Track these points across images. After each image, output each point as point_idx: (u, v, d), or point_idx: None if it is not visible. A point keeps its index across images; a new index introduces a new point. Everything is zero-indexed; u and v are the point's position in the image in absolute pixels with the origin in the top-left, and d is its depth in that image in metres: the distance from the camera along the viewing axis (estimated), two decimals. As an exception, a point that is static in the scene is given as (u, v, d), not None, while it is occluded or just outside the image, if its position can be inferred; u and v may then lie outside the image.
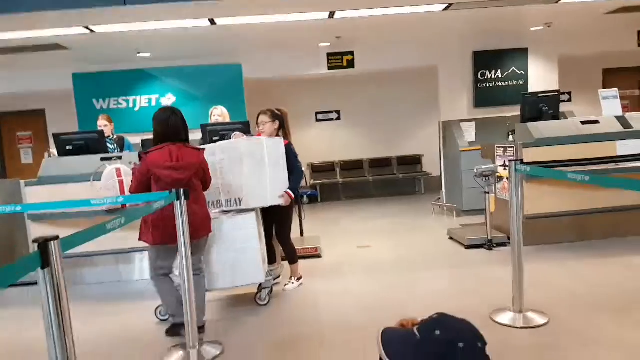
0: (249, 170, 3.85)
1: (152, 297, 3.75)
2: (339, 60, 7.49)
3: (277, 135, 4.29)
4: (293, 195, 4.13)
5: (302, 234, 5.86)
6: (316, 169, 9.85)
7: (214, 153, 3.93)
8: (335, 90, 9.73)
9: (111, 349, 3.44)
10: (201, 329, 3.41)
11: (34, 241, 1.42)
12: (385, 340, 1.10)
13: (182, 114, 3.49)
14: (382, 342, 1.10)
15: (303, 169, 4.50)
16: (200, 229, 3.41)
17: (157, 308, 3.81)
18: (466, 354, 1.02)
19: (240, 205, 3.85)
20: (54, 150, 5.33)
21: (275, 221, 4.27)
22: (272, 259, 4.34)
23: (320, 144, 9.83)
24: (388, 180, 9.83)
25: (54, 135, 5.15)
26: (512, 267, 3.38)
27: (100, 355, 3.34)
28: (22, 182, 4.88)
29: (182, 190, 3.09)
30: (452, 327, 1.07)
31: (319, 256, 5.36)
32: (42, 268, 1.40)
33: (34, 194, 4.75)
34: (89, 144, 5.05)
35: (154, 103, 7.69)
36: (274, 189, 3.98)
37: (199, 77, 7.70)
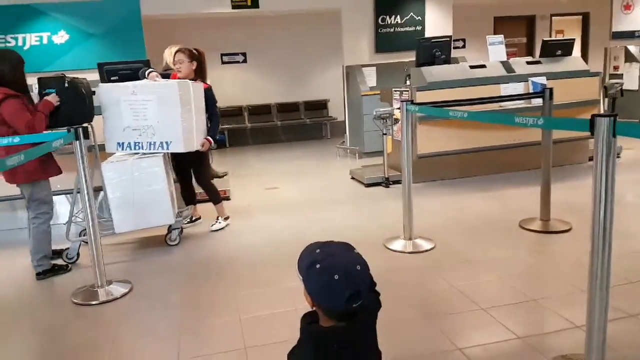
0: (180, 113, 3.76)
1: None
2: (243, -2, 7.25)
3: (194, 76, 4.21)
4: (212, 142, 4.14)
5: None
6: (223, 113, 9.62)
7: (134, 92, 3.80)
8: (241, 31, 9.43)
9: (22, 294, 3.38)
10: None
11: None
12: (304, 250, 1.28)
13: None
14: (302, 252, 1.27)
15: None
16: (12, 176, 3.44)
17: (64, 251, 3.77)
18: (318, 274, 1.18)
19: (167, 148, 3.83)
20: None
21: (194, 165, 4.29)
22: (192, 201, 4.49)
23: (227, 87, 9.56)
24: (296, 125, 9.91)
25: None
26: (403, 200, 3.71)
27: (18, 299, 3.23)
28: None
29: (80, 128, 3.01)
30: (329, 250, 1.24)
31: (227, 198, 5.41)
32: None
33: None
34: None
35: (45, 41, 6.95)
36: (198, 134, 3.98)
37: (93, 13, 7.04)
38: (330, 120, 10.09)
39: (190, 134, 3.89)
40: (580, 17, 10.96)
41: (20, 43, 6.97)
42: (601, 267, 1.92)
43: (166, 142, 3.82)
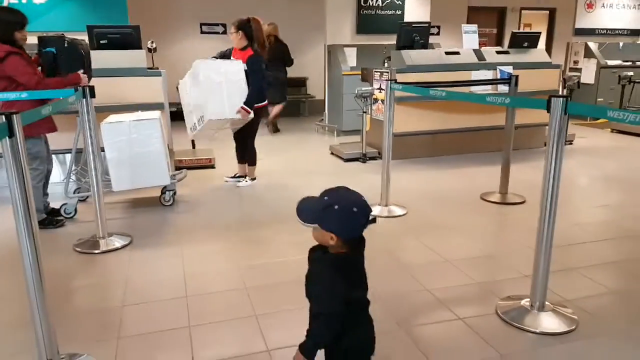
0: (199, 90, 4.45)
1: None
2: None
3: (246, 45, 4.59)
4: (248, 109, 4.48)
5: (193, 147, 6.08)
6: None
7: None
8: (221, 2, 9.50)
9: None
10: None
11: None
12: (300, 203, 1.51)
13: None
14: (298, 205, 1.50)
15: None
16: None
17: (62, 206, 3.98)
18: (340, 212, 1.43)
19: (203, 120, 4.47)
20: None
21: (243, 127, 4.77)
22: (241, 160, 5.08)
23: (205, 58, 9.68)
24: (274, 101, 10.11)
25: None
26: (382, 169, 4.11)
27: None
28: None
29: (87, 87, 3.25)
30: (337, 193, 1.49)
31: (212, 167, 5.70)
32: (10, 137, 1.62)
33: None
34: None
35: (24, 0, 6.94)
36: (231, 104, 4.47)
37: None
38: (309, 98, 10.36)
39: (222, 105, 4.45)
40: (548, 12, 11.56)
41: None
42: (547, 225, 2.35)
43: (202, 116, 4.49)
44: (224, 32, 9.70)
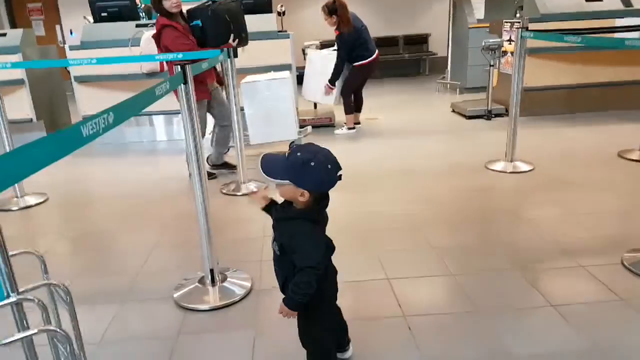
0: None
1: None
2: None
3: (337, 24, 5.26)
4: (332, 86, 5.44)
5: (315, 107, 6.39)
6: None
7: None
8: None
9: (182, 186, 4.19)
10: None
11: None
12: (263, 158, 1.49)
13: None
14: (261, 161, 1.47)
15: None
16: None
17: (207, 157, 4.52)
18: (315, 168, 1.40)
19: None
20: (89, 17, 5.65)
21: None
22: (356, 109, 5.77)
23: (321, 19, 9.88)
24: (394, 60, 10.04)
25: (89, 1, 5.42)
26: (508, 124, 4.02)
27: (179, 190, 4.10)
28: (66, 46, 5.29)
29: (232, 49, 3.65)
30: (310, 150, 1.45)
31: (333, 125, 5.98)
32: (184, 83, 1.99)
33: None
34: (123, 11, 5.37)
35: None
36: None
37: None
38: (430, 56, 10.14)
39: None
40: None
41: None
42: None
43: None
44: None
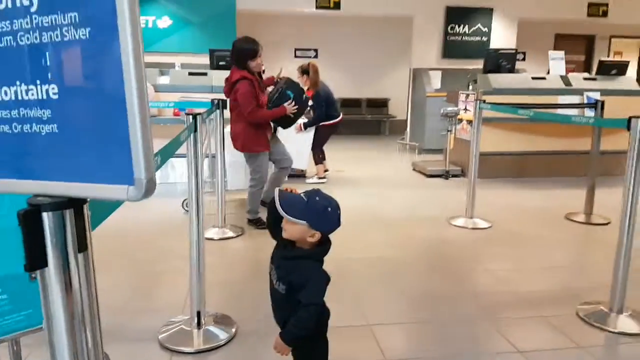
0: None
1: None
2: (327, 0, 8.06)
3: (309, 86, 5.63)
4: (303, 128, 5.76)
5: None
6: (291, 104, 10.48)
7: None
8: (315, 29, 10.25)
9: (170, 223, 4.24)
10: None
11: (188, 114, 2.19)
12: (281, 197, 1.58)
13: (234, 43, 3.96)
14: (279, 198, 1.56)
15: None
16: (234, 142, 4.11)
17: (184, 201, 4.61)
18: (332, 213, 1.58)
19: None
20: None
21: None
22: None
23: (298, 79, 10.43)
24: (357, 120, 10.63)
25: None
26: (468, 182, 4.40)
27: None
28: None
29: (220, 101, 3.88)
30: (326, 196, 1.61)
31: (304, 175, 6.24)
32: (195, 132, 2.19)
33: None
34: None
35: (150, 25, 8.01)
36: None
37: (194, 4, 8.05)
38: (390, 118, 10.78)
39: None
40: (639, 40, 11.24)
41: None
42: (625, 246, 2.59)
43: None
44: (316, 56, 10.44)
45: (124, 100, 0.67)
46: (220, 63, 5.83)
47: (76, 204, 0.71)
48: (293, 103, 4.01)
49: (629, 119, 2.48)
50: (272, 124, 4.23)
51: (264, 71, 4.21)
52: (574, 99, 6.02)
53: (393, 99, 10.72)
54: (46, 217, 0.70)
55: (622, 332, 2.54)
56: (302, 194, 1.60)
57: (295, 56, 10.45)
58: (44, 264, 0.70)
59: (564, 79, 6.30)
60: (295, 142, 5.82)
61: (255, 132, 3.95)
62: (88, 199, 0.73)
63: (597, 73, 6.62)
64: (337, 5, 8.14)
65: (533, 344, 2.42)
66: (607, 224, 4.38)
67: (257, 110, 3.84)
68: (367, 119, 10.72)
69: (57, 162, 0.71)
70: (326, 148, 6.19)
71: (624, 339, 2.50)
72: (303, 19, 9.85)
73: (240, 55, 3.85)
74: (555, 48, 10.32)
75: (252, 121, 3.88)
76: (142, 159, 0.66)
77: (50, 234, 0.70)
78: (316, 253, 1.61)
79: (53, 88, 0.72)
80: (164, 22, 8.04)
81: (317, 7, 8.17)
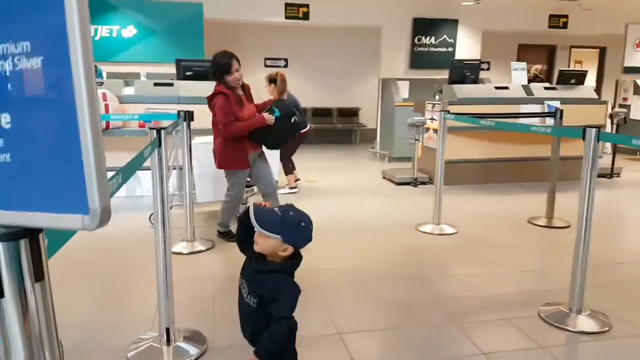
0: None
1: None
2: (296, 10, 8.12)
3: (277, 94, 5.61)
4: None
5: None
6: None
7: None
8: (285, 38, 10.31)
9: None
10: None
11: (152, 128, 2.19)
12: (256, 210, 1.59)
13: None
14: (254, 211, 1.58)
15: None
16: (214, 158, 4.03)
17: (150, 215, 4.56)
18: (305, 228, 1.61)
19: None
20: None
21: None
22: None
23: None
24: (328, 129, 10.73)
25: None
26: (435, 190, 4.51)
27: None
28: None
29: (187, 112, 3.87)
30: (299, 211, 1.64)
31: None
32: (159, 146, 2.19)
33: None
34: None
35: (114, 34, 7.89)
36: None
37: (160, 12, 7.94)
38: (360, 127, 10.91)
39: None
40: (598, 50, 11.72)
41: (92, 33, 7.88)
42: (582, 249, 2.71)
43: None
44: (286, 66, 10.50)
45: (77, 129, 0.68)
46: (187, 73, 5.78)
47: (31, 233, 0.71)
48: (273, 118, 3.86)
49: (584, 129, 2.60)
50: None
51: (249, 87, 4.08)
52: (536, 108, 6.24)
53: (363, 108, 10.86)
54: (0, 247, 0.70)
55: (581, 331, 2.66)
56: (276, 209, 1.62)
57: (265, 65, 10.48)
58: (1, 294, 0.70)
59: (526, 89, 6.53)
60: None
61: (233, 148, 3.87)
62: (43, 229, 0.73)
63: (557, 82, 6.88)
64: (305, 16, 8.22)
65: (497, 346, 2.50)
66: (567, 227, 4.54)
67: (232, 124, 3.77)
68: (338, 128, 10.82)
69: (10, 191, 0.71)
70: (297, 158, 6.22)
71: (583, 338, 2.62)
72: (272, 29, 9.90)
73: (217, 70, 3.83)
74: (519, 58, 10.68)
75: (229, 135, 3.81)
76: (96, 188, 0.67)
77: (5, 264, 0.69)
78: (288, 266, 1.63)
79: (5, 117, 0.73)
80: (129, 31, 7.92)
81: (286, 17, 8.23)
